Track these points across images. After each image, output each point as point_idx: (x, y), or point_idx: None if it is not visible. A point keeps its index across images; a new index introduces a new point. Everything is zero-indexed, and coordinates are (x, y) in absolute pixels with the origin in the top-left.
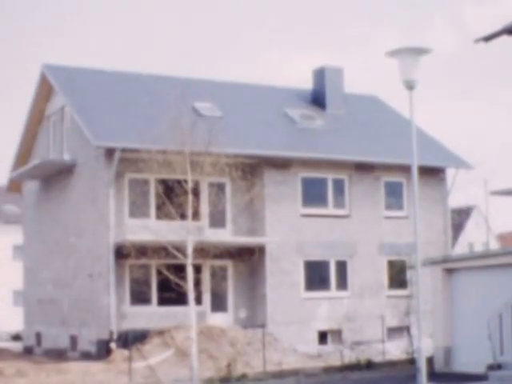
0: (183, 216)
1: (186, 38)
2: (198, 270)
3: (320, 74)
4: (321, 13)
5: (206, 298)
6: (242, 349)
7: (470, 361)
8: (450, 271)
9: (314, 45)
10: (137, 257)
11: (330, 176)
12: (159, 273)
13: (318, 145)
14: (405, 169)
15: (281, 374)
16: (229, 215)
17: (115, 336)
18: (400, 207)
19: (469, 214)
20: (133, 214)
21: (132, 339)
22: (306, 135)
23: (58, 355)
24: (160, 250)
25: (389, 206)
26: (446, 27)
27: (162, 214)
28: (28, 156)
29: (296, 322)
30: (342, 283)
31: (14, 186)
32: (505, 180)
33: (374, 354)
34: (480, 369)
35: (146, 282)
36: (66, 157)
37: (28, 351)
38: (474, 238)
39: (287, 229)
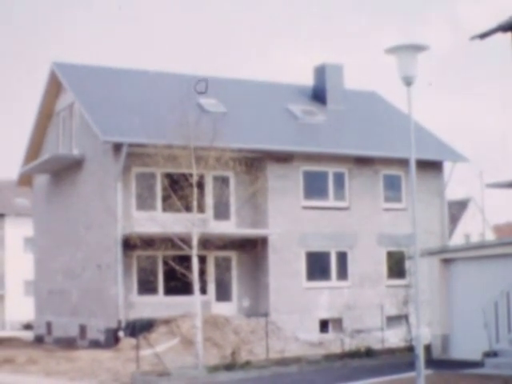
0: (188, 208)
1: (191, 37)
2: (202, 260)
3: (321, 71)
4: (321, 11)
5: (211, 287)
6: (246, 337)
7: (466, 348)
8: (447, 261)
9: (314, 42)
10: (144, 248)
11: (330, 169)
12: (165, 263)
13: (318, 139)
14: (403, 162)
15: (283, 362)
16: (232, 208)
17: (123, 325)
18: (398, 200)
19: (465, 206)
20: (140, 207)
21: (139, 328)
22: (308, 130)
23: (67, 344)
24: (166, 241)
25: (388, 199)
26: (443, 25)
27: (167, 206)
28: (38, 151)
29: (298, 310)
30: (343, 273)
31: (25, 180)
32: (501, 172)
33: (374, 341)
34: (476, 356)
35: (153, 272)
36: (75, 152)
37: (39, 340)
38: (471, 229)
39: (289, 221)
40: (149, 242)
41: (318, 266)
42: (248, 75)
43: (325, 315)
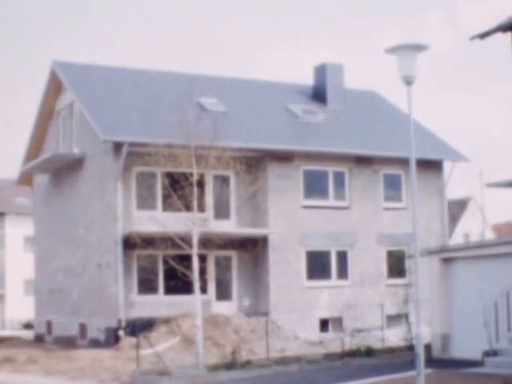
0: (189, 208)
1: (191, 36)
2: (203, 260)
3: (321, 71)
4: (321, 10)
5: (211, 287)
6: (246, 336)
7: (466, 347)
8: (447, 260)
9: (314, 42)
10: (144, 247)
11: (330, 169)
12: (166, 263)
13: (319, 139)
14: (403, 162)
15: (283, 361)
16: (233, 207)
17: (123, 324)
18: (398, 199)
19: (465, 206)
20: (140, 206)
21: (139, 327)
22: (308, 129)
23: (67, 343)
24: (166, 240)
25: (388, 198)
26: (443, 25)
27: (168, 205)
28: (38, 150)
29: (298, 310)
30: (343, 272)
31: (25, 179)
32: (501, 172)
33: (374, 341)
34: (476, 355)
35: (153, 271)
36: (76, 151)
37: (39, 339)
38: (471, 228)
39: (289, 220)
40: (149, 241)
41: (318, 266)
42: (248, 75)
43: (325, 314)
